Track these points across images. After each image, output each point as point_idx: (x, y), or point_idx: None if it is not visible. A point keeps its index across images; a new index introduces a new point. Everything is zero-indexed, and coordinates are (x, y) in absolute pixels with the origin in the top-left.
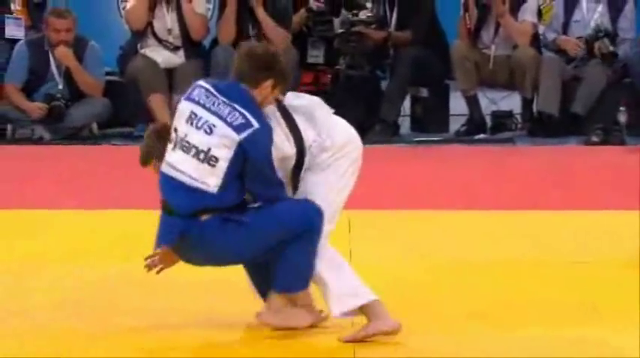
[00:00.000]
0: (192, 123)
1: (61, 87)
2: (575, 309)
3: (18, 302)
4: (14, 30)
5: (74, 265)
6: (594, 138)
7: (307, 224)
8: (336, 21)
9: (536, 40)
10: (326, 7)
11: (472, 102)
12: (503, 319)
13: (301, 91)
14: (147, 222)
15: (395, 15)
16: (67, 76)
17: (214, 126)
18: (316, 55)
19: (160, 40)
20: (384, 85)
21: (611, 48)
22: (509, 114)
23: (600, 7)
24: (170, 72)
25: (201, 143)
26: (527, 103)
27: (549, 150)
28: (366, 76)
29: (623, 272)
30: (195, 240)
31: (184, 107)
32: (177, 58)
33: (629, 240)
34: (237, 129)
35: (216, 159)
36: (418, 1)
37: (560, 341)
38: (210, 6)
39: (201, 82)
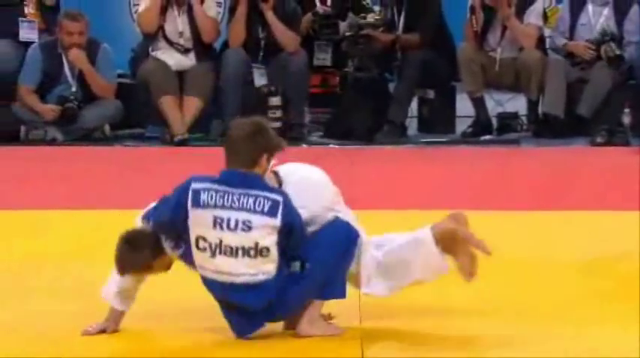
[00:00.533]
0: (222, 228)
1: (74, 89)
2: (581, 308)
3: (25, 301)
4: (28, 33)
5: (87, 264)
6: (599, 139)
7: (346, 239)
8: (343, 24)
9: (541, 43)
10: (333, 10)
11: (478, 103)
12: (509, 318)
13: (311, 93)
14: None
15: (402, 18)
16: (80, 78)
17: (249, 221)
18: (323, 58)
19: (171, 43)
20: (391, 87)
21: (618, 52)
22: (515, 115)
23: (606, 11)
24: (181, 74)
25: (245, 242)
26: (532, 105)
27: (554, 151)
28: (374, 78)
29: (627, 271)
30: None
31: (201, 215)
32: (188, 61)
33: (632, 239)
34: (271, 213)
35: (268, 249)
36: (425, 5)
37: (562, 340)
38: (221, 9)
39: (200, 185)
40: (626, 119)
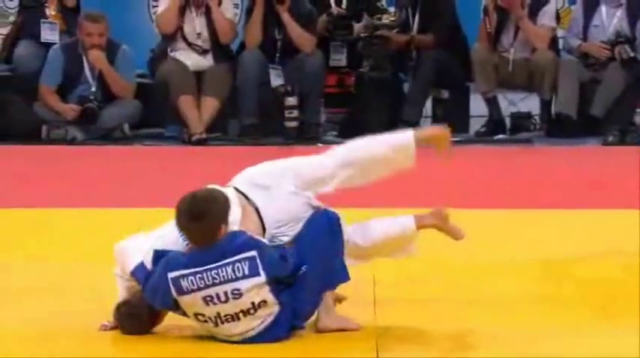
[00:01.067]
0: (215, 303)
1: (94, 89)
2: (598, 308)
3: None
4: (49, 34)
5: (106, 263)
6: (611, 139)
7: (329, 225)
8: (358, 25)
9: (554, 44)
10: (348, 12)
11: (492, 103)
12: (522, 317)
13: (326, 93)
14: None
15: (417, 19)
16: (100, 78)
17: (237, 289)
18: (339, 59)
19: (189, 44)
20: (406, 87)
21: (632, 54)
22: (528, 115)
23: (619, 12)
24: (199, 74)
25: (241, 306)
26: (545, 105)
27: (567, 150)
28: (388, 78)
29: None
30: None
31: (190, 299)
32: (206, 61)
33: None
34: (253, 273)
35: (265, 301)
36: (440, 6)
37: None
38: (238, 11)
39: (176, 273)
40: (638, 119)
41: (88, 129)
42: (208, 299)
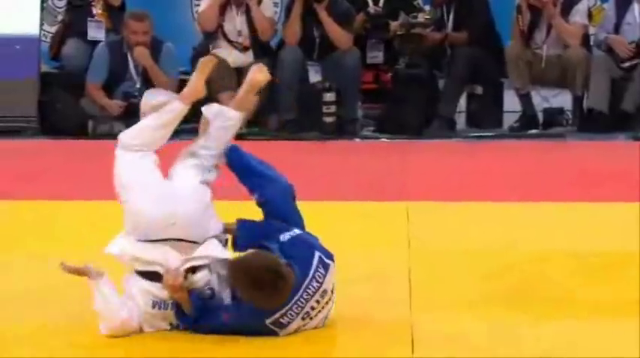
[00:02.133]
0: (312, 316)
1: (138, 85)
2: (625, 302)
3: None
4: (95, 32)
5: None
6: None
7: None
8: (394, 23)
9: (586, 41)
10: (384, 10)
11: (525, 99)
12: (557, 311)
13: (362, 90)
14: (228, 213)
15: (452, 17)
16: (144, 75)
17: (325, 290)
18: (376, 56)
19: (230, 41)
20: (441, 83)
21: None
22: (561, 110)
23: None
24: (239, 71)
25: (328, 297)
26: (577, 100)
27: (598, 145)
28: (424, 75)
29: None
30: None
31: (292, 328)
32: (246, 58)
33: None
34: (327, 266)
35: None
36: (474, 4)
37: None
38: (278, 9)
39: (273, 318)
40: None
41: (133, 124)
42: (306, 315)
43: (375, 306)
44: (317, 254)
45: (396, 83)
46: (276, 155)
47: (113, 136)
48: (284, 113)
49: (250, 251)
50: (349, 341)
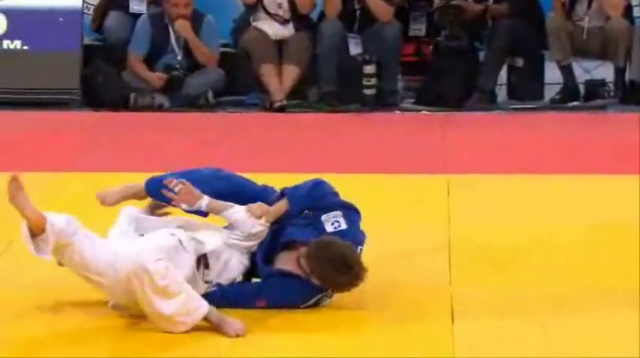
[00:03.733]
0: None
1: (179, 58)
2: None
3: None
4: (137, 5)
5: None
6: None
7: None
8: None
9: (628, 12)
10: None
11: (566, 71)
12: (601, 284)
13: (403, 62)
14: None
15: None
16: (185, 47)
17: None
18: (418, 29)
19: (270, 14)
20: (482, 55)
21: None
22: (602, 82)
23: None
24: (280, 43)
25: None
26: (619, 72)
27: None
28: (464, 47)
29: None
30: None
31: None
32: (286, 31)
33: None
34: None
35: None
36: None
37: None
38: None
39: None
40: None
41: (174, 97)
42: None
43: (415, 280)
44: (359, 249)
45: (437, 55)
46: (317, 127)
47: (154, 108)
48: (324, 85)
49: (326, 238)
50: (389, 314)
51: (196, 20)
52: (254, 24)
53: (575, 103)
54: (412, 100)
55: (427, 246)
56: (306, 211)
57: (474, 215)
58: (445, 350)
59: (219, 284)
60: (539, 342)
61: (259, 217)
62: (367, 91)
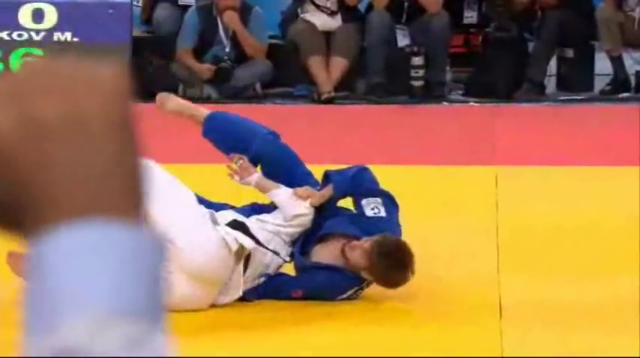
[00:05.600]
0: None
1: (227, 49)
2: None
3: None
4: None
5: None
6: None
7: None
8: None
9: None
10: None
11: (617, 62)
12: None
13: (452, 53)
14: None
15: None
16: (234, 39)
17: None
18: (471, 16)
19: (317, 6)
20: (531, 46)
21: None
22: None
23: None
24: (328, 35)
25: None
26: None
27: None
28: (514, 38)
29: None
30: None
31: None
32: (334, 22)
33: None
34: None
35: None
36: None
37: None
38: None
39: None
40: None
41: (222, 88)
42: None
43: (463, 271)
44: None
45: (486, 46)
46: (365, 119)
47: (203, 100)
48: (372, 77)
49: (382, 235)
50: (437, 305)
51: (245, 12)
52: (302, 16)
53: (625, 94)
54: (461, 92)
55: (475, 238)
56: (346, 204)
57: (522, 206)
58: (493, 347)
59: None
60: (588, 338)
61: (305, 199)
62: (415, 83)
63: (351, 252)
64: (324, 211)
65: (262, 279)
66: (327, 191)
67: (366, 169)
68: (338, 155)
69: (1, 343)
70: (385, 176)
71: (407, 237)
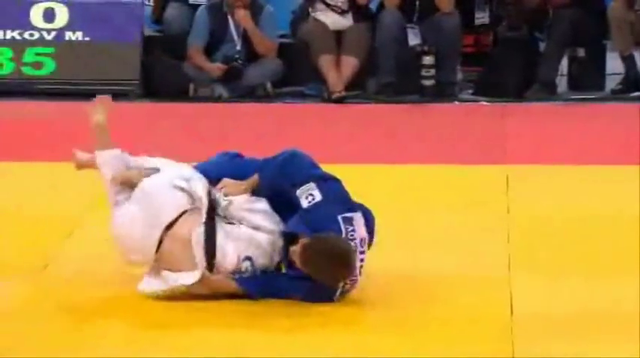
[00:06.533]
0: None
1: (238, 48)
2: None
3: None
4: None
5: None
6: None
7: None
8: None
9: None
10: None
11: (628, 61)
12: None
13: (463, 53)
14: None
15: None
16: (245, 37)
17: None
18: (482, 17)
19: (328, 5)
20: (542, 46)
21: None
22: None
23: None
24: (339, 34)
25: None
26: None
27: None
28: (524, 37)
29: None
30: None
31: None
32: (345, 21)
33: None
34: None
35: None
36: None
37: None
38: None
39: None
40: None
41: (233, 87)
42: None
43: (474, 270)
44: (339, 217)
45: (497, 46)
46: (375, 118)
47: (213, 99)
48: (383, 76)
49: (309, 239)
50: (447, 307)
51: (255, 10)
52: (313, 15)
53: (636, 93)
54: (471, 91)
55: (486, 238)
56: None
57: (533, 206)
58: (504, 349)
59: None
60: (600, 340)
61: (220, 190)
62: (426, 82)
63: (293, 257)
64: (279, 207)
65: (246, 264)
66: (250, 180)
67: (293, 156)
68: (349, 154)
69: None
70: (395, 175)
71: (418, 237)
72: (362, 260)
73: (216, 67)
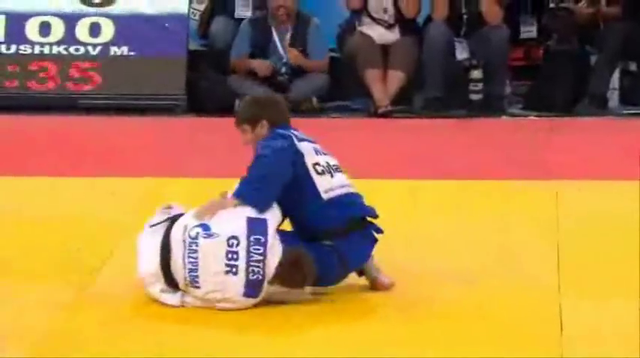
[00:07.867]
0: (320, 153)
1: (285, 60)
2: None
3: None
4: (242, 10)
5: None
6: None
7: None
8: None
9: None
10: None
11: None
12: None
13: (511, 66)
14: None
15: None
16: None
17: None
18: (529, 31)
19: (374, 19)
20: (593, 59)
21: None
22: None
23: None
24: (385, 48)
25: (335, 160)
26: None
27: None
28: (575, 50)
29: None
30: None
31: (306, 146)
32: (392, 35)
33: None
34: None
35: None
36: None
37: None
38: None
39: (286, 132)
40: None
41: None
42: (315, 149)
43: (524, 288)
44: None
45: (547, 59)
46: (422, 133)
47: None
48: (430, 90)
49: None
50: (496, 327)
51: (301, 24)
52: (359, 29)
53: None
54: (520, 105)
55: (535, 253)
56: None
57: (584, 222)
58: None
59: None
60: None
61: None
62: (474, 96)
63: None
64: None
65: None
66: (227, 200)
67: (262, 156)
68: (395, 169)
69: None
70: (443, 191)
71: (466, 254)
72: None
73: (264, 65)
